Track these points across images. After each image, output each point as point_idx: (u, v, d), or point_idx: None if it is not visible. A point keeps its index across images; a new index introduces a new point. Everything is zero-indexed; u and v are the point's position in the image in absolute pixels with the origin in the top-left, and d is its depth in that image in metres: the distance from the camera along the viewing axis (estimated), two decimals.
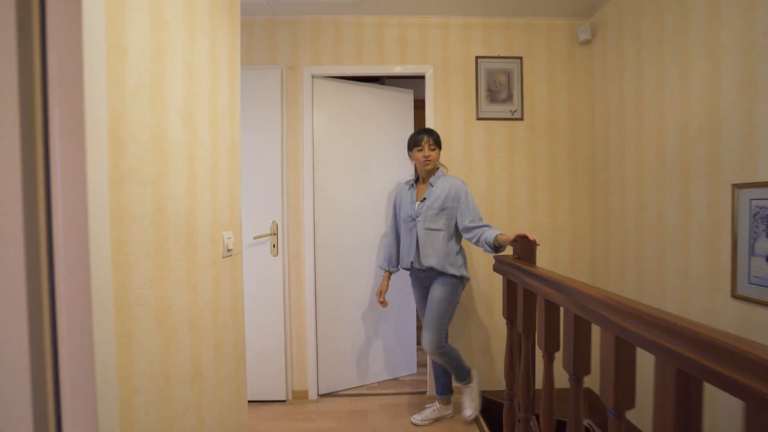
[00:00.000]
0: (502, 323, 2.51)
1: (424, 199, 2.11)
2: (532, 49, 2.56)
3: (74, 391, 0.65)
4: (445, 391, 2.27)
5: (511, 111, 2.56)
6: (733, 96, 1.56)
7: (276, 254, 2.47)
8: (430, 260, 2.06)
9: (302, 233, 2.50)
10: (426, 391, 2.59)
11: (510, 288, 1.49)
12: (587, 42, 2.54)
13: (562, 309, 1.08)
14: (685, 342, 0.64)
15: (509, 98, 2.56)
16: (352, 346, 2.66)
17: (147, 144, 0.85)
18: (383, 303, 2.31)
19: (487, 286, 2.56)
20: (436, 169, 2.17)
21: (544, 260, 2.57)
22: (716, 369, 0.58)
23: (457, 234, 2.11)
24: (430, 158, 2.10)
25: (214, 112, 1.20)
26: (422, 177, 2.21)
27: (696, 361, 0.61)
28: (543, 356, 1.20)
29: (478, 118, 2.55)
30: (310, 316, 2.51)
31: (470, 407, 2.18)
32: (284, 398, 2.50)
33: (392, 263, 2.31)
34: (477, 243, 1.87)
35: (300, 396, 2.52)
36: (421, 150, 2.10)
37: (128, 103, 0.78)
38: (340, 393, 2.62)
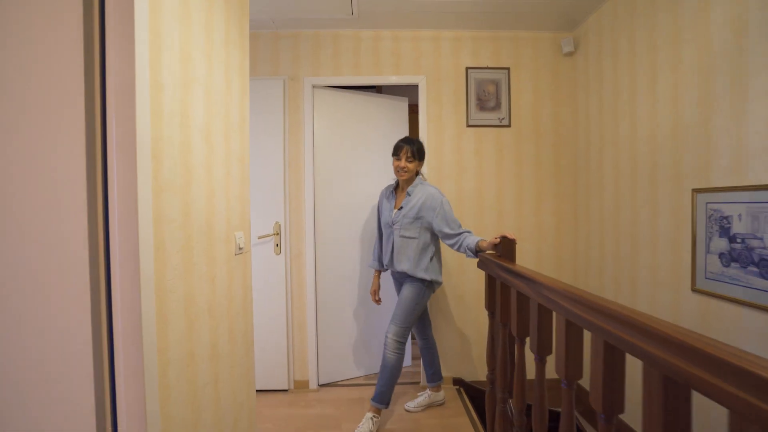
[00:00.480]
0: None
1: (401, 207, 2.19)
2: (518, 61, 2.73)
3: (126, 357, 0.82)
4: (434, 378, 2.44)
5: (499, 118, 2.73)
6: (692, 109, 1.73)
7: (279, 253, 2.64)
8: (402, 265, 2.17)
9: (303, 233, 2.67)
10: (420, 381, 2.76)
11: (491, 282, 1.66)
12: (570, 54, 2.71)
13: (531, 301, 1.25)
14: (613, 321, 0.81)
15: (497, 106, 2.73)
16: (351, 339, 2.83)
17: (177, 159, 1.02)
18: (378, 301, 2.47)
19: (479, 285, 2.73)
20: (414, 178, 2.23)
21: (530, 258, 2.74)
22: (654, 352, 0.74)
23: (432, 242, 2.19)
24: (405, 170, 2.15)
25: (227, 128, 1.37)
26: (401, 185, 2.29)
27: (616, 335, 0.77)
28: (516, 342, 1.37)
29: (468, 125, 2.72)
30: (311, 310, 2.68)
31: (416, 402, 2.40)
32: (286, 387, 2.67)
33: (381, 262, 2.43)
34: (459, 249, 1.99)
35: (301, 385, 2.70)
36: (398, 160, 2.17)
37: (164, 127, 0.95)
38: (339, 383, 2.79)
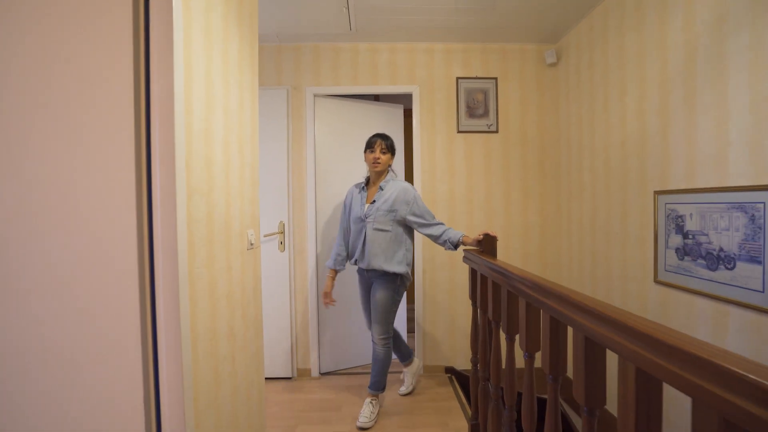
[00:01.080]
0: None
1: (374, 201, 2.26)
2: (505, 71, 2.93)
3: (167, 331, 1.02)
4: (405, 357, 2.62)
5: (487, 125, 2.93)
6: (654, 121, 1.93)
7: (283, 250, 2.84)
8: (376, 260, 2.21)
9: (306, 231, 2.87)
10: None
11: (473, 275, 1.86)
12: (553, 65, 2.91)
13: (502, 288, 1.46)
14: (554, 297, 1.00)
15: (486, 113, 2.93)
16: (350, 331, 3.03)
17: (202, 168, 1.22)
18: (330, 302, 2.45)
19: (463, 278, 2.93)
20: (386, 173, 2.33)
21: (517, 255, 2.94)
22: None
23: (405, 235, 2.27)
24: (379, 161, 2.25)
25: (241, 140, 1.57)
26: (372, 179, 2.37)
27: (574, 320, 0.97)
28: (493, 325, 1.57)
29: (459, 131, 2.92)
30: (313, 304, 2.88)
31: (405, 385, 2.62)
32: (290, 375, 2.88)
33: (338, 262, 2.43)
34: (438, 239, 2.12)
35: (304, 374, 2.90)
36: (372, 152, 2.27)
37: (193, 143, 1.15)
38: (339, 372, 2.99)
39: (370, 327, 2.45)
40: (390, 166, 2.37)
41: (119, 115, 0.98)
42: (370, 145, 2.30)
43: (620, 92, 2.19)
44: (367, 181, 2.41)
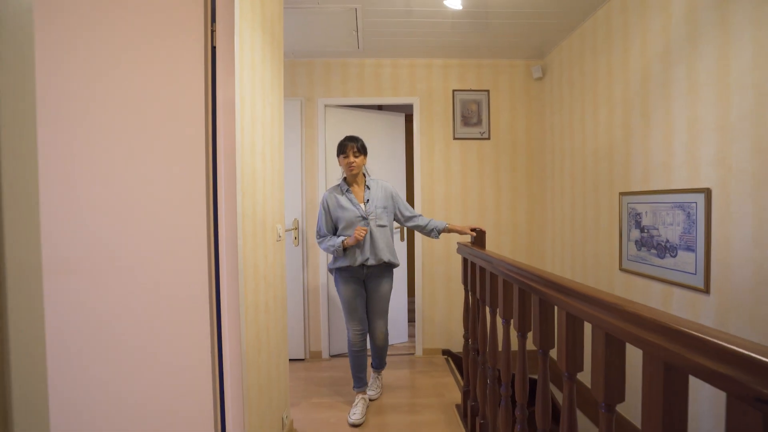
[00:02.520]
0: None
1: (368, 200, 2.34)
2: (497, 84, 3.27)
3: (229, 301, 1.35)
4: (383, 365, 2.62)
5: (480, 132, 3.26)
6: (619, 132, 2.27)
7: (297, 244, 3.17)
8: (383, 253, 2.30)
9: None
10: (414, 353, 3.30)
11: (465, 263, 2.19)
12: (540, 79, 3.24)
13: (487, 271, 1.79)
14: (545, 284, 1.33)
15: (479, 122, 3.26)
16: None
17: (249, 174, 1.54)
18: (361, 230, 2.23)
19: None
20: (361, 173, 2.38)
21: (506, 249, 3.28)
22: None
23: (392, 228, 2.41)
24: (353, 164, 2.28)
25: (272, 150, 1.90)
26: (350, 181, 2.38)
27: (548, 294, 1.30)
28: (480, 304, 1.90)
29: (455, 138, 3.26)
30: (323, 293, 3.21)
31: (376, 390, 2.57)
32: (303, 357, 3.21)
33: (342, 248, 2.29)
34: (425, 229, 2.31)
35: (315, 356, 3.23)
36: (346, 157, 2.29)
37: (245, 155, 1.48)
38: (346, 354, 3.32)
39: (356, 324, 2.39)
40: (364, 166, 2.39)
41: (194, 143, 1.31)
42: (342, 150, 2.30)
43: (594, 106, 2.52)
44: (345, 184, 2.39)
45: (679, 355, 0.66)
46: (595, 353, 0.92)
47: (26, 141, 0.47)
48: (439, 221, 2.37)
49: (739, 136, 1.50)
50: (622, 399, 0.89)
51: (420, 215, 2.44)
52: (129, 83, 1.28)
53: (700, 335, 0.62)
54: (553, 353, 2.49)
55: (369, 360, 2.63)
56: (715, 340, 0.60)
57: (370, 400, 2.51)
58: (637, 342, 0.76)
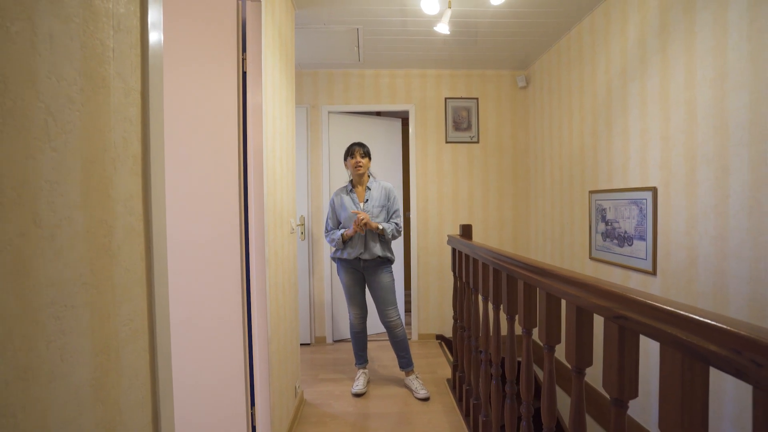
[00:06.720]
0: None
1: (367, 200, 2.55)
2: (485, 92, 3.58)
3: (257, 282, 1.66)
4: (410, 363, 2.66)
5: (470, 137, 3.58)
6: (588, 138, 2.59)
7: (303, 239, 3.47)
8: (377, 250, 2.48)
9: (321, 224, 3.50)
10: (410, 338, 3.61)
11: (454, 252, 2.51)
12: (524, 88, 3.56)
13: (470, 258, 2.10)
14: (506, 258, 1.64)
15: (469, 127, 3.58)
16: None
17: (273, 177, 1.85)
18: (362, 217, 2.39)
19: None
20: (367, 175, 2.61)
21: (494, 242, 3.60)
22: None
23: None
24: (360, 164, 2.50)
25: (287, 154, 2.20)
26: (355, 182, 2.60)
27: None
28: (466, 286, 2.22)
29: (447, 142, 3.57)
30: (327, 283, 3.52)
31: (423, 390, 2.53)
32: (309, 342, 3.52)
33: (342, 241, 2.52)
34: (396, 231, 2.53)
35: (320, 341, 3.54)
36: (354, 158, 2.52)
37: (268, 160, 1.78)
38: (348, 339, 3.63)
39: (356, 308, 2.65)
40: (369, 168, 2.60)
41: (229, 161, 1.62)
42: (350, 153, 2.54)
43: (569, 114, 2.84)
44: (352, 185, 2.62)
45: (632, 319, 0.83)
46: (569, 325, 1.07)
47: (159, 152, 0.77)
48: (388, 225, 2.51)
49: (676, 144, 1.83)
50: (590, 363, 1.04)
51: (396, 222, 2.54)
52: (180, 104, 1.59)
53: (637, 298, 0.83)
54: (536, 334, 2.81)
55: (373, 358, 2.93)
56: (646, 300, 0.80)
57: (417, 398, 2.51)
58: (598, 310, 0.94)
